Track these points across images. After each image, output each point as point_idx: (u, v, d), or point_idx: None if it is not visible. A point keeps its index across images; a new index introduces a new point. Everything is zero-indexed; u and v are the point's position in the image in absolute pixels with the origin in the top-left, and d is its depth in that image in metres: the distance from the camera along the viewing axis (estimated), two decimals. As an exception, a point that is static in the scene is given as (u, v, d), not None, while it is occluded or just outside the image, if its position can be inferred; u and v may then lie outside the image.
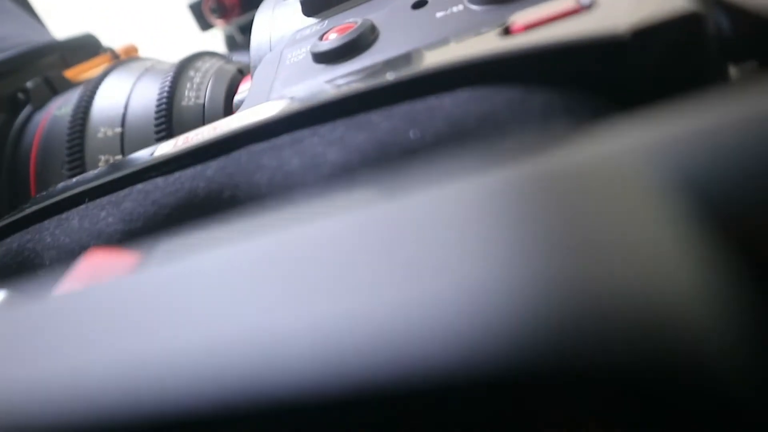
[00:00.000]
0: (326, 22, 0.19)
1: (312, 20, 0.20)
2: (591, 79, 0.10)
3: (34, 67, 0.30)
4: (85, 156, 0.23)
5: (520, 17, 0.12)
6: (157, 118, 0.23)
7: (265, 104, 0.14)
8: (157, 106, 0.24)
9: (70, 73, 0.31)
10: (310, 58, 0.17)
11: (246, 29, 0.42)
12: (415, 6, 0.17)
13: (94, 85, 0.25)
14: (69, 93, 0.28)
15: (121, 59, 0.29)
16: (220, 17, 0.39)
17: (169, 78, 0.24)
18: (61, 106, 0.26)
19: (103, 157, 0.23)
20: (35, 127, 0.26)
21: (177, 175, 0.14)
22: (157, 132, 0.23)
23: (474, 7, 0.15)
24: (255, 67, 0.20)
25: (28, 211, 0.16)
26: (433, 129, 0.11)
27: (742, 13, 0.08)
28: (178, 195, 0.14)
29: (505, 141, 0.10)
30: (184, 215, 0.13)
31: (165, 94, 0.24)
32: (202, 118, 0.24)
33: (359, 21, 0.17)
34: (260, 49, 0.21)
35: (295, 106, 0.13)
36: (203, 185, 0.13)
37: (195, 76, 0.25)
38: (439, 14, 0.16)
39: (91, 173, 0.17)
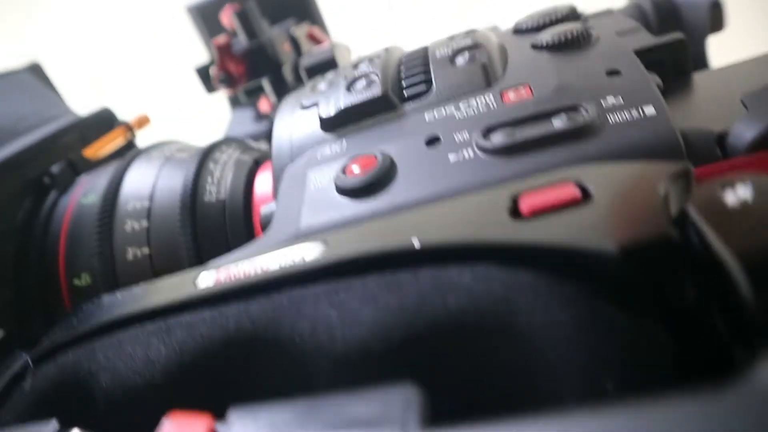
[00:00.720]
0: (345, 143, 0.21)
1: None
2: (587, 276, 0.12)
3: (57, 148, 0.32)
4: (114, 248, 0.25)
5: (527, 198, 0.14)
6: (182, 216, 0.25)
7: (302, 246, 0.16)
8: (181, 202, 0.26)
9: (89, 152, 0.33)
10: (334, 188, 0.19)
11: (250, 93, 0.44)
12: (429, 143, 0.19)
13: (119, 175, 0.27)
14: (92, 177, 0.30)
15: (144, 148, 0.31)
16: (227, 87, 0.41)
17: (191, 174, 0.27)
18: (87, 193, 0.28)
19: (131, 250, 0.25)
20: (62, 214, 0.28)
21: (222, 310, 0.16)
22: (182, 228, 0.25)
23: (482, 156, 0.17)
24: (278, 171, 0.23)
25: (81, 330, 0.18)
26: (456, 301, 0.13)
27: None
28: (224, 331, 0.16)
29: (518, 322, 0.12)
30: (231, 351, 0.15)
31: (188, 192, 0.26)
32: (224, 215, 0.26)
33: (379, 157, 0.19)
34: (281, 150, 0.24)
35: (331, 256, 0.15)
36: (248, 325, 0.15)
37: (215, 169, 0.27)
38: (452, 157, 0.18)
39: (135, 291, 0.19)
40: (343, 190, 0.19)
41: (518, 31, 0.26)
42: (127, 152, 0.36)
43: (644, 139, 0.16)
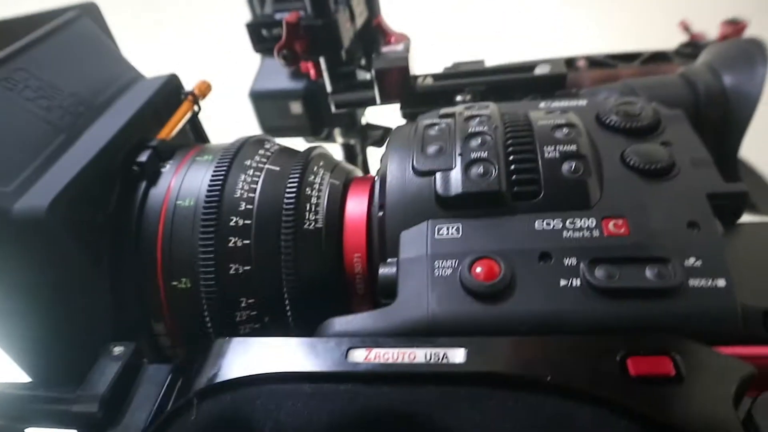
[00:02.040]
0: (462, 229, 0.26)
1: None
2: None
3: (135, 129, 0.33)
4: (218, 261, 0.29)
5: (634, 362, 0.20)
6: (285, 243, 0.29)
7: (447, 349, 0.22)
8: (285, 229, 0.30)
9: (164, 133, 0.35)
10: (460, 284, 0.24)
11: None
12: (542, 258, 0.24)
13: (217, 185, 0.30)
14: (182, 170, 0.32)
15: (231, 146, 0.33)
16: (289, 64, 0.42)
17: (292, 200, 0.30)
18: (184, 196, 0.31)
19: (233, 266, 0.29)
20: (157, 211, 0.31)
21: (378, 389, 0.21)
22: (285, 254, 0.29)
23: (588, 290, 0.23)
24: (392, 230, 0.27)
25: (242, 375, 0.23)
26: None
27: None
28: (380, 409, 0.21)
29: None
30: (386, 428, 0.21)
31: (291, 219, 0.30)
32: (320, 242, 0.30)
33: (502, 266, 0.24)
34: (396, 211, 0.27)
35: (478, 366, 0.21)
36: (402, 407, 0.21)
37: (311, 195, 0.31)
38: (562, 282, 0.23)
39: (280, 344, 0.23)
40: (469, 291, 0.24)
41: (603, 124, 0.30)
42: (196, 131, 0.38)
43: (713, 309, 0.22)
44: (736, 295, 0.22)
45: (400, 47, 0.40)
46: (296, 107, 0.53)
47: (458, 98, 0.40)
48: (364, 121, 0.57)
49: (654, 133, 0.29)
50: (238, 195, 0.30)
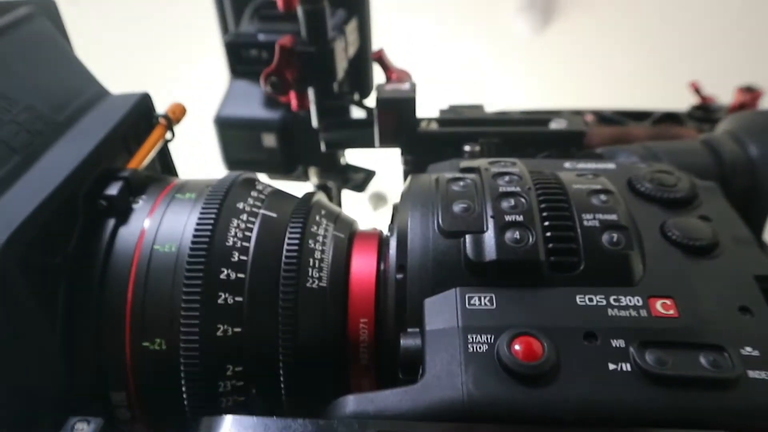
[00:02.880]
0: (496, 300, 0.27)
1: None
2: None
3: (101, 156, 0.32)
4: (203, 320, 0.28)
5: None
6: (283, 303, 0.29)
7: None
8: (284, 287, 0.29)
9: (135, 162, 0.35)
10: (498, 363, 0.24)
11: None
12: (587, 337, 0.25)
13: (206, 230, 0.30)
14: (158, 210, 0.31)
15: (219, 186, 0.33)
16: (277, 93, 0.43)
17: (294, 255, 0.30)
18: (163, 240, 0.30)
19: (221, 326, 0.29)
20: (128, 255, 0.30)
21: None
22: (283, 315, 0.29)
23: (640, 376, 0.24)
24: (415, 294, 0.27)
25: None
26: None
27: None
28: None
29: None
30: None
31: (292, 276, 0.29)
32: (324, 302, 0.30)
33: (546, 346, 0.25)
34: (418, 273, 0.28)
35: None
36: None
37: (315, 248, 0.31)
38: (611, 365, 0.24)
39: (297, 428, 0.23)
40: (509, 371, 0.24)
41: (637, 192, 0.32)
42: (171, 179, 0.37)
43: None
44: None
45: (405, 85, 0.41)
46: (269, 140, 0.53)
47: (467, 148, 0.41)
48: (343, 161, 0.57)
49: (690, 205, 0.31)
50: (230, 243, 0.30)
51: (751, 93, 0.48)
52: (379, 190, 1.43)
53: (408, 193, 0.32)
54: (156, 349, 0.28)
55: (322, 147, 0.46)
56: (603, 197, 0.30)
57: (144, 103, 0.37)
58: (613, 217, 0.29)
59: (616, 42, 1.64)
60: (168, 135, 0.38)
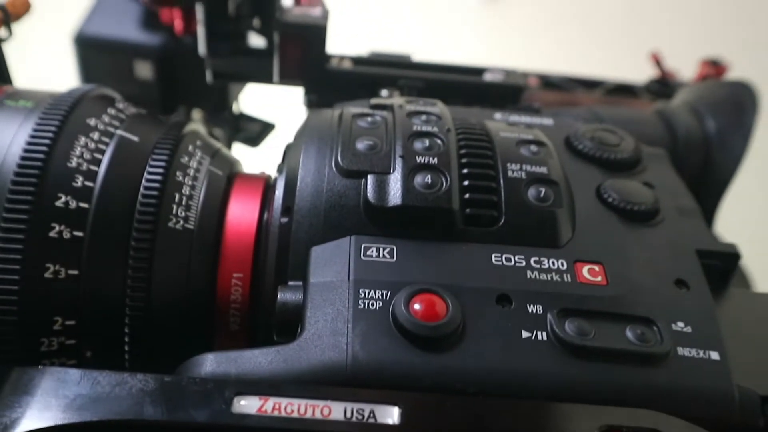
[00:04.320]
0: (397, 252, 0.27)
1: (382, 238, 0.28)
2: None
3: None
4: (27, 258, 0.27)
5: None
6: (136, 243, 0.28)
7: (377, 409, 0.22)
8: (140, 222, 0.28)
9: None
10: (392, 324, 0.25)
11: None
12: (500, 301, 0.26)
13: (42, 139, 0.28)
14: None
15: (63, 95, 0.32)
16: (159, 5, 0.42)
17: (156, 184, 0.29)
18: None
19: (52, 267, 0.27)
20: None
21: None
22: (135, 258, 0.28)
23: (558, 347, 0.25)
24: (302, 241, 0.27)
25: (55, 424, 0.21)
26: None
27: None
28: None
29: None
30: None
31: (150, 212, 0.29)
32: (189, 248, 0.29)
33: (449, 305, 0.25)
34: (307, 217, 0.28)
35: (412, 429, 0.22)
36: None
37: (183, 182, 0.30)
38: (524, 333, 0.25)
39: (141, 380, 0.22)
40: (405, 332, 0.24)
41: (575, 150, 0.33)
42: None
43: (705, 385, 0.25)
44: (731, 375, 0.25)
45: (316, 10, 0.41)
46: (144, 69, 0.51)
47: (384, 93, 0.42)
48: (236, 109, 0.56)
49: (633, 169, 0.33)
50: (73, 165, 0.29)
51: (715, 67, 0.51)
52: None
53: (304, 128, 0.32)
54: None
55: (208, 77, 0.45)
56: (533, 148, 0.31)
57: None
58: (543, 170, 0.30)
59: (574, 11, 1.71)
60: (2, 32, 0.36)
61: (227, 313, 0.30)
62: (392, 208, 0.28)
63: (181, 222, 0.29)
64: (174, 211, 0.29)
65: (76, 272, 0.28)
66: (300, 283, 0.27)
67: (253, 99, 0.60)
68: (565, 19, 1.72)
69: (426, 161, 0.29)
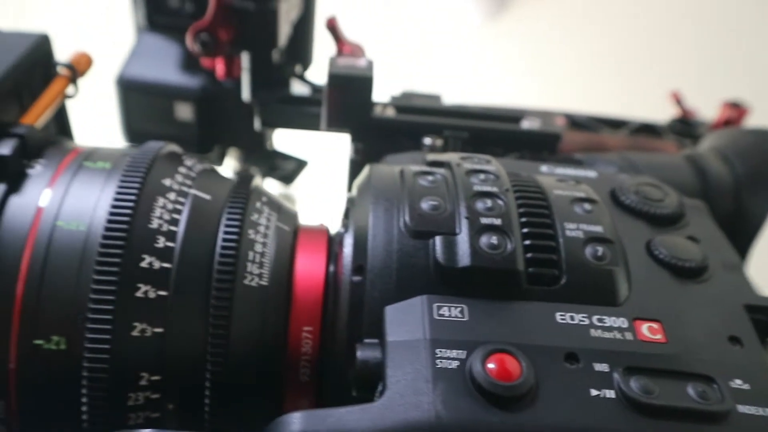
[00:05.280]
0: (468, 312, 0.28)
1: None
2: None
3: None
4: (116, 319, 0.28)
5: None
6: (217, 299, 0.30)
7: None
8: (219, 281, 0.30)
9: (31, 118, 0.34)
10: (470, 381, 0.26)
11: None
12: (568, 359, 0.27)
13: (124, 208, 0.30)
14: (63, 179, 0.31)
15: (140, 155, 0.33)
16: (207, 54, 0.43)
17: (231, 245, 0.30)
18: (68, 217, 0.30)
19: (138, 325, 0.29)
20: (21, 231, 0.29)
21: None
22: (215, 316, 0.29)
23: (624, 404, 0.26)
24: (375, 299, 0.29)
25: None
26: None
27: None
28: None
29: None
30: None
31: (228, 271, 0.30)
32: (264, 304, 0.31)
33: (524, 364, 0.26)
34: (380, 275, 0.29)
35: None
36: None
37: (255, 239, 0.32)
38: (593, 391, 0.27)
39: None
40: (483, 392, 0.26)
41: (620, 204, 0.35)
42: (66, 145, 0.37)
43: None
44: None
45: (361, 61, 0.43)
46: (184, 111, 0.53)
47: (427, 141, 0.43)
48: (269, 146, 0.58)
49: (677, 224, 0.35)
50: (154, 226, 0.30)
51: (737, 109, 0.53)
52: (287, 191, 1.43)
53: (368, 185, 0.34)
54: (52, 349, 0.28)
55: (257, 125, 0.46)
56: (587, 206, 0.32)
57: (42, 46, 0.36)
58: (598, 228, 0.31)
59: (581, 34, 1.73)
60: (70, 89, 0.37)
61: (298, 365, 0.31)
62: (462, 269, 0.29)
63: (256, 279, 0.31)
64: (249, 269, 0.31)
65: (161, 330, 0.29)
66: (375, 340, 0.28)
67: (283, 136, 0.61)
68: (568, 37, 1.74)
69: (490, 223, 0.30)
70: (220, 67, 0.50)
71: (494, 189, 0.32)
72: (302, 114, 0.46)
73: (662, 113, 0.59)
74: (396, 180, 0.33)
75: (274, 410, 0.32)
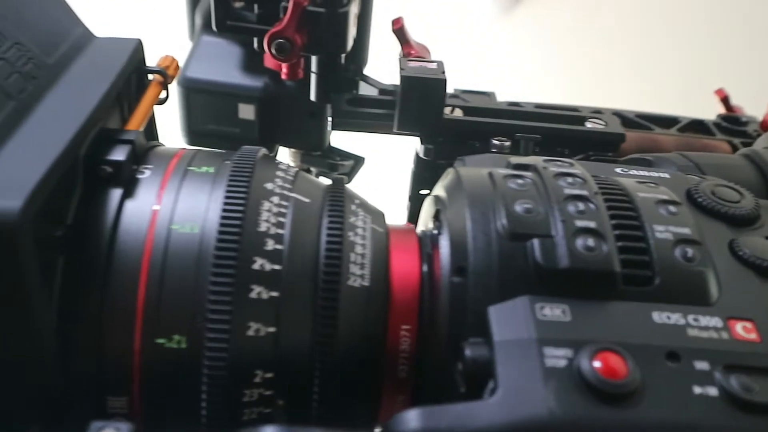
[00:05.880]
0: (569, 312, 0.29)
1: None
2: None
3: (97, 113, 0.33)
4: (234, 319, 0.29)
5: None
6: (325, 300, 0.31)
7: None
8: (325, 282, 0.31)
9: (132, 124, 0.35)
10: (580, 380, 0.27)
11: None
12: (669, 357, 0.29)
13: (235, 211, 0.31)
14: (172, 183, 0.32)
15: (239, 159, 0.34)
16: (281, 58, 0.44)
17: (335, 248, 0.32)
18: (182, 220, 0.31)
19: (253, 325, 0.30)
20: (140, 234, 0.30)
21: None
22: (324, 316, 0.31)
23: (726, 401, 0.27)
24: (477, 299, 0.30)
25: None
26: None
27: None
28: None
29: None
30: None
31: (333, 272, 0.31)
32: (366, 304, 0.32)
33: (630, 362, 0.28)
34: (482, 277, 0.31)
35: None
36: None
37: (356, 242, 0.33)
38: (696, 389, 0.28)
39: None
40: (593, 390, 0.27)
41: (698, 205, 0.36)
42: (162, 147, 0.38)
43: None
44: None
45: (432, 64, 0.44)
46: (247, 111, 0.53)
47: (495, 142, 0.44)
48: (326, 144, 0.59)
49: (754, 225, 0.36)
50: (263, 229, 0.31)
51: (788, 108, 0.54)
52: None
53: (459, 187, 0.35)
54: (173, 348, 0.29)
55: (329, 128, 0.47)
56: (672, 208, 0.34)
57: (139, 53, 0.37)
58: (686, 230, 0.32)
59: (597, 27, 1.73)
60: (163, 94, 0.38)
61: (396, 361, 0.33)
62: (561, 271, 0.30)
63: (359, 280, 0.32)
64: (351, 270, 0.32)
65: (274, 329, 0.30)
66: (480, 339, 0.29)
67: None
68: (583, 30, 1.74)
69: (585, 225, 0.31)
70: (285, 70, 0.50)
71: (584, 192, 0.33)
72: (370, 116, 0.47)
73: (683, 109, 0.60)
74: (487, 183, 0.34)
75: (371, 407, 0.34)
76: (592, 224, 0.31)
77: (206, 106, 0.54)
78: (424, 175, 0.49)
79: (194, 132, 0.56)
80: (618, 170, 0.39)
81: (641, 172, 0.39)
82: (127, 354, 0.29)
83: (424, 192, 0.52)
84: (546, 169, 0.35)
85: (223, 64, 0.55)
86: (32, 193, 0.26)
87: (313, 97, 0.49)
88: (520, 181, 0.34)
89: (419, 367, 0.33)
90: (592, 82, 1.52)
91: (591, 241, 0.31)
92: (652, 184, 0.36)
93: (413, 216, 0.51)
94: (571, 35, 1.75)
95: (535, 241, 0.31)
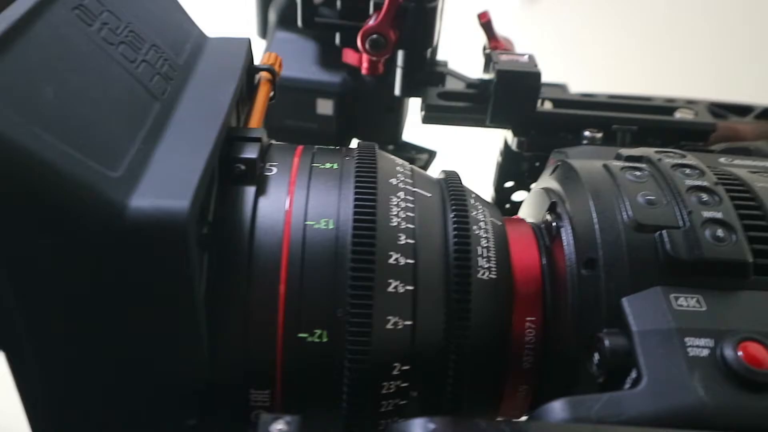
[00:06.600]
0: (703, 302, 0.30)
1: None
2: None
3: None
4: (374, 312, 0.30)
5: None
6: (457, 293, 0.31)
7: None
8: (456, 275, 0.32)
9: (252, 122, 0.36)
10: (725, 369, 0.28)
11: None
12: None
13: (367, 207, 0.31)
14: (300, 180, 0.33)
15: (360, 153, 0.34)
16: (375, 53, 0.44)
17: (465, 241, 0.32)
18: (316, 216, 0.31)
19: (392, 319, 0.30)
20: (276, 233, 0.31)
21: None
22: (458, 309, 0.31)
23: None
24: (612, 290, 0.30)
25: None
26: None
27: None
28: None
29: None
30: None
31: (463, 266, 0.32)
32: (495, 296, 0.32)
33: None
34: (616, 271, 0.31)
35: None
36: None
37: (480, 235, 0.33)
38: None
39: None
40: (740, 378, 0.27)
41: None
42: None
43: None
44: None
45: (524, 57, 0.44)
46: (326, 107, 0.54)
47: (587, 134, 0.45)
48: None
49: None
50: (394, 224, 0.32)
51: None
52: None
53: (577, 179, 0.35)
54: (315, 342, 0.30)
55: (423, 120, 0.48)
56: None
57: (249, 52, 0.38)
58: None
59: (621, 16, 1.72)
60: (272, 92, 0.39)
61: (522, 352, 0.33)
62: (694, 261, 0.31)
63: (487, 273, 0.32)
64: (479, 264, 0.32)
65: (410, 323, 0.31)
66: (615, 330, 0.30)
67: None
68: (607, 20, 1.73)
69: (712, 216, 0.32)
70: (365, 65, 0.51)
71: (705, 183, 0.33)
72: (460, 109, 0.47)
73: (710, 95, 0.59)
74: (605, 175, 0.35)
75: (495, 398, 0.34)
76: (718, 215, 0.32)
77: (284, 101, 0.55)
78: (510, 167, 0.50)
79: (272, 127, 0.56)
80: (722, 160, 0.39)
81: (747, 162, 0.39)
82: (269, 348, 0.30)
83: (508, 184, 0.52)
84: (661, 161, 0.35)
85: (301, 60, 0.55)
86: (196, 192, 0.26)
87: (397, 91, 0.49)
88: (637, 173, 0.35)
89: (544, 358, 0.34)
90: (615, 69, 1.51)
91: (720, 232, 0.31)
92: (765, 174, 0.36)
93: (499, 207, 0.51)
94: (594, 24, 1.75)
95: (665, 232, 0.31)
